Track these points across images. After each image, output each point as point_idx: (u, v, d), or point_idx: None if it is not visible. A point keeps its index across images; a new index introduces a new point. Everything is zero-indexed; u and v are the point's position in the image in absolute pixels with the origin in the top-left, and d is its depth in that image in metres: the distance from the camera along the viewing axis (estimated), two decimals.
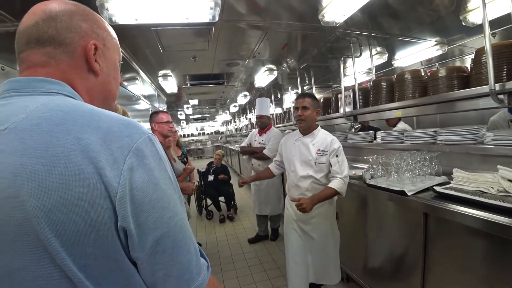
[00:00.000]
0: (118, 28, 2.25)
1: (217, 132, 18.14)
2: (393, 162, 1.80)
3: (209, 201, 4.74)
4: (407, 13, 2.58)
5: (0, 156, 0.39)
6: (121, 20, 2.15)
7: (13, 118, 0.42)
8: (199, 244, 3.35)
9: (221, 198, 4.65)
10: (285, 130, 5.42)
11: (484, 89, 1.56)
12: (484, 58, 1.63)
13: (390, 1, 2.28)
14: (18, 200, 0.38)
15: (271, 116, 4.26)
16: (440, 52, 3.28)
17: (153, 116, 2.40)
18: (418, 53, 3.40)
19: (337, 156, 1.86)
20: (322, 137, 1.93)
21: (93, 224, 0.40)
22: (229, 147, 9.78)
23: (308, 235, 1.96)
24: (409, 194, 1.60)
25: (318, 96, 5.41)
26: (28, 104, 0.44)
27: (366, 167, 2.14)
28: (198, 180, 4.79)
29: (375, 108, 2.53)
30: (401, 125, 3.18)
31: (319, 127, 2.00)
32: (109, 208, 0.40)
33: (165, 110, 4.77)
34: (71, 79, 0.51)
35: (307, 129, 1.97)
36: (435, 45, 3.20)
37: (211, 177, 4.67)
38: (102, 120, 0.44)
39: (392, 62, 3.82)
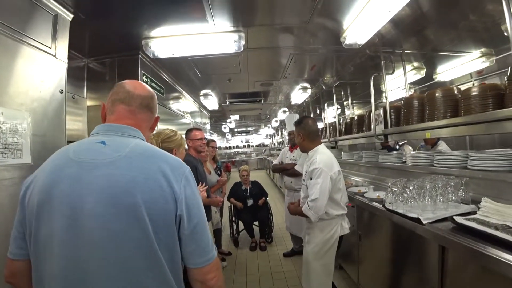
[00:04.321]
0: (161, 59, 2.65)
1: (261, 145, 18.42)
2: (410, 187, 1.71)
3: (241, 225, 4.04)
4: (442, 27, 2.46)
5: (120, 170, 0.73)
6: (161, 54, 2.52)
7: (122, 149, 0.76)
8: (229, 253, 3.53)
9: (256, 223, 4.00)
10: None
11: None
12: None
13: (424, 13, 2.21)
14: (131, 193, 0.70)
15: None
16: (486, 64, 2.98)
17: (187, 133, 2.56)
18: (461, 66, 3.13)
19: (311, 178, 1.81)
20: (310, 158, 1.94)
21: (165, 211, 0.73)
22: (272, 160, 9.90)
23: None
24: (424, 222, 1.51)
25: (357, 112, 5.27)
26: (125, 142, 0.79)
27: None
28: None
29: (402, 128, 2.42)
30: (441, 146, 2.94)
31: (314, 148, 1.96)
32: (174, 204, 0.74)
33: (199, 127, 4.69)
34: (144, 131, 0.90)
35: (304, 151, 2.04)
36: (480, 56, 2.92)
37: (250, 202, 3.95)
38: (169, 158, 0.81)
39: (434, 77, 3.57)
